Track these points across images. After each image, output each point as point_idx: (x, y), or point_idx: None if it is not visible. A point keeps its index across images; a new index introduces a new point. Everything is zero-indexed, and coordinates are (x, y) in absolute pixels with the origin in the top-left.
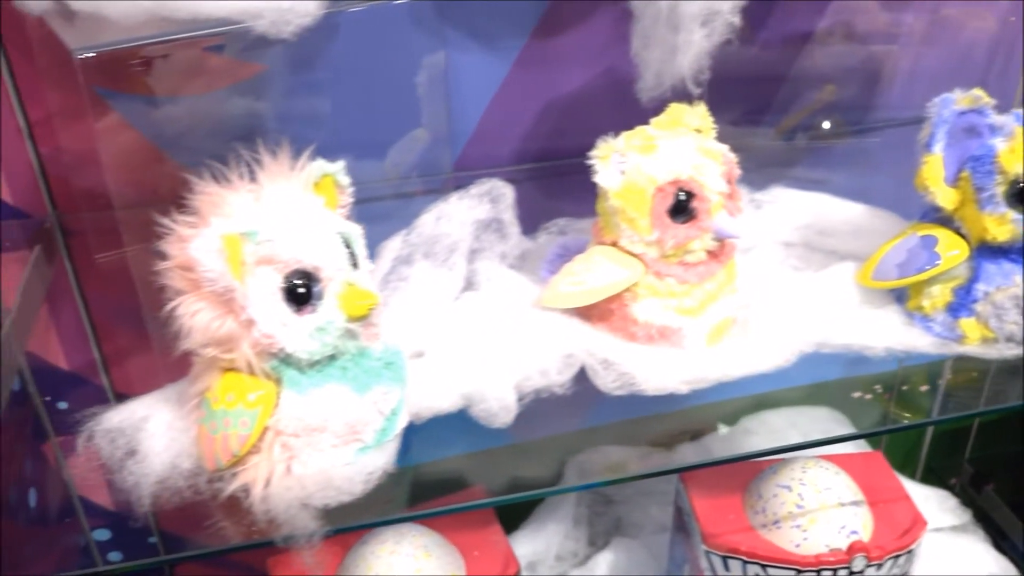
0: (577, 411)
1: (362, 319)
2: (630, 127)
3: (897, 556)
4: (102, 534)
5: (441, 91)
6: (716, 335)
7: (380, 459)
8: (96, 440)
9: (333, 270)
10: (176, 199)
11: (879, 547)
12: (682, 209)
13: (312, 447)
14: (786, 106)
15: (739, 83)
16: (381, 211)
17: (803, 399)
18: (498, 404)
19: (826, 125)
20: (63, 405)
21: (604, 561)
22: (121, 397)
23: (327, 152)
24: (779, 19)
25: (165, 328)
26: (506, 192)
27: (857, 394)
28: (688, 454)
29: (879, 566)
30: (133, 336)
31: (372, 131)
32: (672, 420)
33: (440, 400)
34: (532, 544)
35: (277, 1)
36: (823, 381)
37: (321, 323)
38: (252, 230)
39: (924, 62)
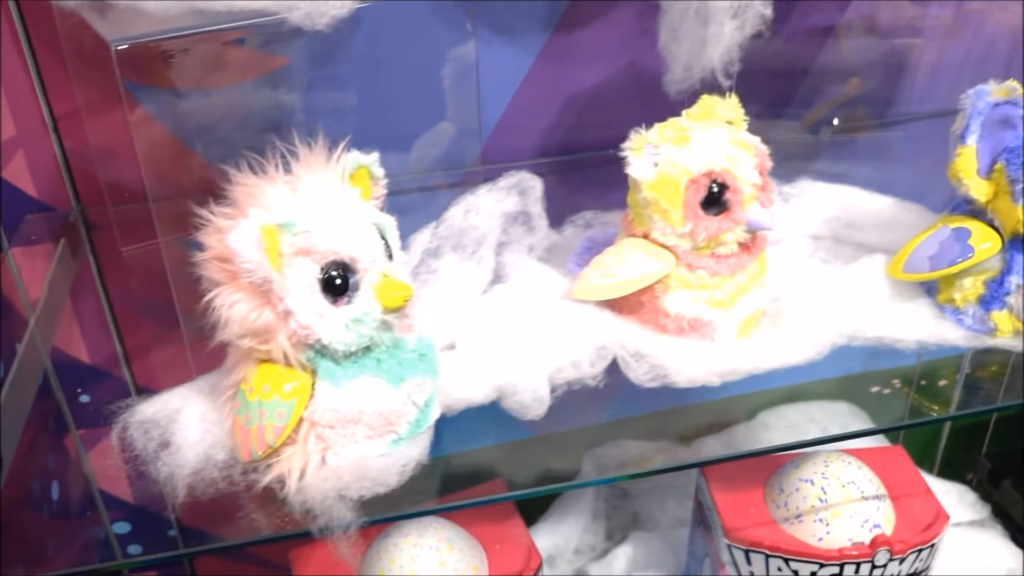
0: (599, 404)
1: (398, 310)
2: (651, 121)
3: (920, 550)
4: (122, 527)
5: (469, 84)
6: (746, 328)
7: (414, 451)
8: (130, 431)
9: (369, 261)
10: (199, 192)
11: (902, 541)
12: (715, 201)
13: (346, 438)
14: (809, 99)
15: (762, 76)
16: (407, 204)
17: (821, 393)
18: (531, 396)
19: (835, 122)
20: (85, 399)
21: (623, 555)
22: (143, 391)
23: (352, 145)
24: (803, 12)
25: (188, 322)
26: (534, 185)
27: (876, 388)
28: (708, 448)
29: (902, 560)
30: (156, 330)
31: (397, 124)
32: (696, 413)
33: (473, 392)
34: (552, 538)
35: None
36: (840, 376)
37: (357, 314)
38: (289, 221)
39: (948, 55)
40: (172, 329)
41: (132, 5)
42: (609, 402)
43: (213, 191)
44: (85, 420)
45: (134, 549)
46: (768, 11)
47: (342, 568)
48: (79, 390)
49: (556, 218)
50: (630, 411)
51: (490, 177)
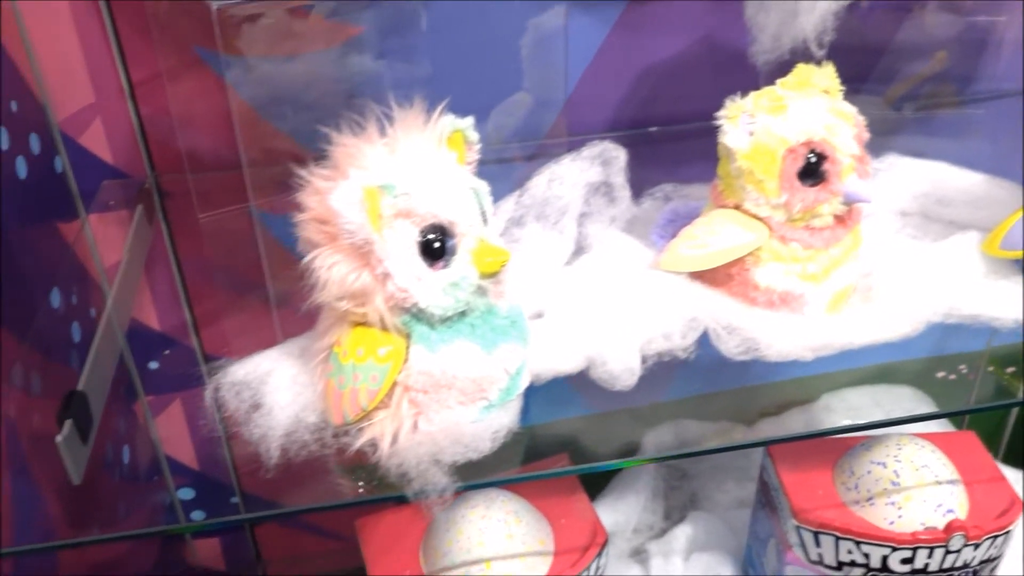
0: (665, 382)
1: (494, 275)
2: (726, 94)
3: (995, 537)
4: (187, 493)
5: (550, 54)
6: (837, 302)
7: (505, 418)
8: (222, 393)
9: (467, 226)
10: (271, 162)
11: (977, 527)
12: (812, 171)
13: (439, 403)
14: (888, 75)
15: (842, 50)
16: (484, 174)
17: (883, 377)
18: (622, 366)
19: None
20: (154, 365)
21: (683, 534)
22: (210, 359)
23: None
24: None
25: (258, 290)
26: (618, 155)
27: (942, 374)
28: (771, 429)
29: (976, 546)
30: (226, 298)
31: (473, 94)
32: (761, 394)
33: (563, 361)
34: (612, 515)
35: None
36: (907, 359)
37: (455, 279)
38: (390, 183)
39: None
40: (242, 297)
41: None
42: (673, 380)
43: (285, 160)
44: (153, 387)
45: (197, 515)
46: None
47: (409, 538)
48: (147, 357)
49: (633, 191)
50: (694, 390)
51: (570, 148)
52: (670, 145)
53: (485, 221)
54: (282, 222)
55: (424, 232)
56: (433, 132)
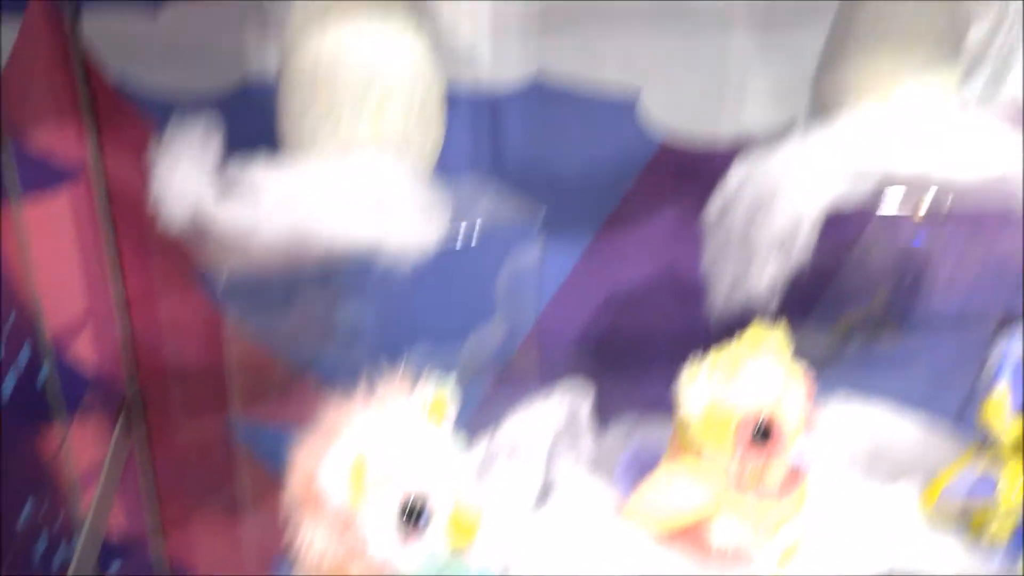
0: None
1: (469, 546)
2: (686, 319)
3: None
4: None
5: (528, 282)
6: (786, 558)
7: None
8: None
9: (444, 496)
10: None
11: None
12: (764, 436)
13: None
14: (836, 307)
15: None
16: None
17: None
18: None
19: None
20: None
21: None
22: (175, 568)
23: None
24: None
25: (226, 501)
26: (584, 395)
27: None
28: None
29: None
30: (194, 506)
31: (449, 320)
32: None
33: None
34: None
35: (402, 235)
36: None
37: (432, 549)
38: (374, 453)
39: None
40: (211, 510)
41: (238, 236)
42: None
43: (266, 373)
44: None
45: None
46: (814, 239)
47: None
48: (106, 568)
49: (599, 417)
50: None
51: (540, 374)
52: (637, 372)
53: (460, 479)
54: (259, 433)
55: (403, 503)
56: (417, 399)
